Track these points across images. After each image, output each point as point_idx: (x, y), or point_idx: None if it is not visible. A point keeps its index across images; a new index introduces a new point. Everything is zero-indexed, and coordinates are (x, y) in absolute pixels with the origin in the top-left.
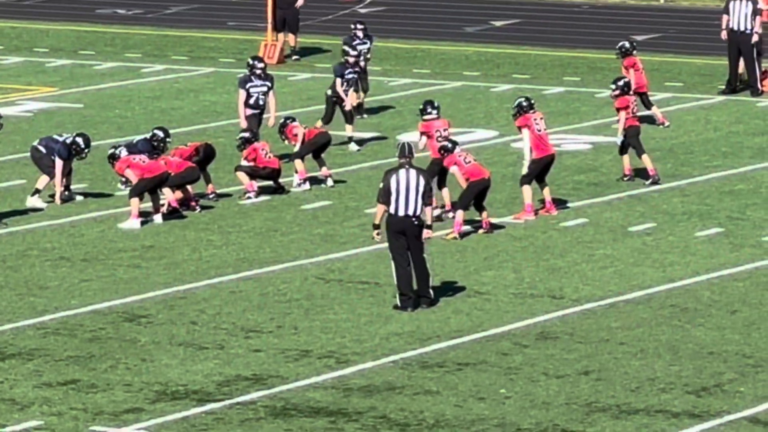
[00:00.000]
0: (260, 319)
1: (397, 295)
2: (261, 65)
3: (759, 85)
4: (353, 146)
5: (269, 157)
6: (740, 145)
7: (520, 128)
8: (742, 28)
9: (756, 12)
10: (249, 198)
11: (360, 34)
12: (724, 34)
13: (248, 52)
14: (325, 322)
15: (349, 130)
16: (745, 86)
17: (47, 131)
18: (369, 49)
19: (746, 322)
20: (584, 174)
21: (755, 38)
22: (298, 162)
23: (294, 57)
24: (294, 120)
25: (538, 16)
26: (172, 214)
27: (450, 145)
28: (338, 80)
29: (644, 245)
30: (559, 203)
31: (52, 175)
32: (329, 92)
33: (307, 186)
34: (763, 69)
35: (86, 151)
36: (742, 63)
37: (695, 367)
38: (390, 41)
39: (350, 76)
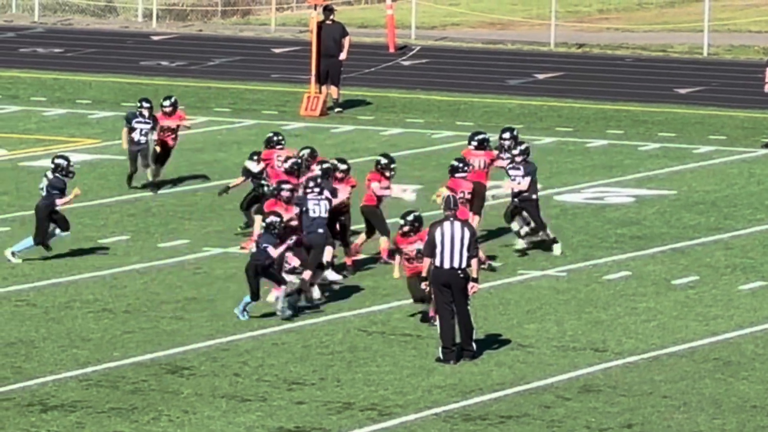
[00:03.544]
0: (303, 371)
1: (440, 348)
2: (147, 105)
3: None
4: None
5: None
6: None
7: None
8: None
9: None
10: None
11: (145, 113)
12: (767, 88)
13: (291, 105)
14: (368, 375)
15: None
16: None
17: (90, 183)
18: (149, 132)
19: None
20: (627, 227)
21: None
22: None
23: (337, 109)
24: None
25: (581, 68)
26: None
27: (460, 165)
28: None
29: (687, 298)
30: (597, 256)
31: None
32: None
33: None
34: None
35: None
36: None
37: (739, 420)
38: (433, 94)
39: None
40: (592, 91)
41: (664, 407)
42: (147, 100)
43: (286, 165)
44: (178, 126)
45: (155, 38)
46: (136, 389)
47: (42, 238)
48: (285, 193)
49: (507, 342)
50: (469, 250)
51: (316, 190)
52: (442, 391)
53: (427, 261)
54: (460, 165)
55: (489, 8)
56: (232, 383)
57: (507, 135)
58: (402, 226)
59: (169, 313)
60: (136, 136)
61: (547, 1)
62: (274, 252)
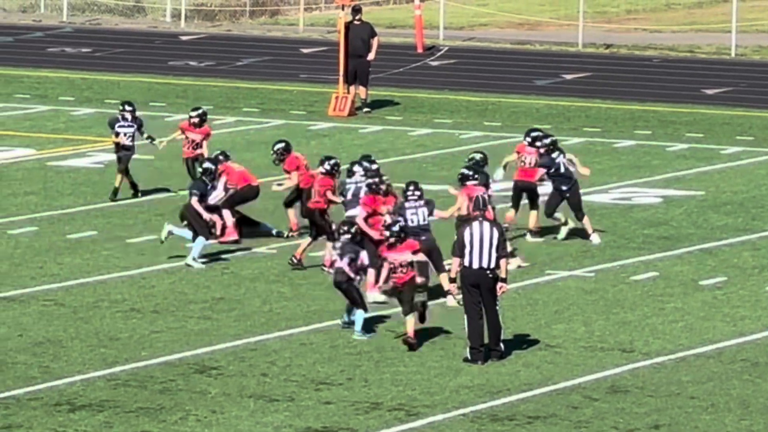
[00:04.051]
0: (330, 371)
1: (468, 348)
2: (130, 108)
3: None
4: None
5: None
6: None
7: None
8: None
9: None
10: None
11: (128, 116)
12: None
13: (319, 105)
14: (396, 375)
15: None
16: None
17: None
18: (134, 135)
19: None
20: (654, 227)
21: None
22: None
23: (365, 110)
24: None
25: (609, 69)
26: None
27: (469, 174)
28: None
29: (715, 299)
30: (625, 257)
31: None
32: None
33: None
34: None
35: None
36: None
37: (766, 421)
38: (461, 94)
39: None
40: (620, 92)
41: (692, 408)
42: (129, 103)
43: (326, 166)
44: (202, 140)
45: (184, 38)
46: (164, 389)
47: (205, 233)
48: (383, 186)
49: (535, 342)
50: (497, 250)
51: (417, 194)
52: (469, 392)
53: (456, 261)
54: (470, 173)
55: (517, 9)
56: (259, 383)
57: (540, 144)
58: (387, 238)
59: (197, 313)
60: (122, 140)
61: (575, 1)
62: (349, 271)
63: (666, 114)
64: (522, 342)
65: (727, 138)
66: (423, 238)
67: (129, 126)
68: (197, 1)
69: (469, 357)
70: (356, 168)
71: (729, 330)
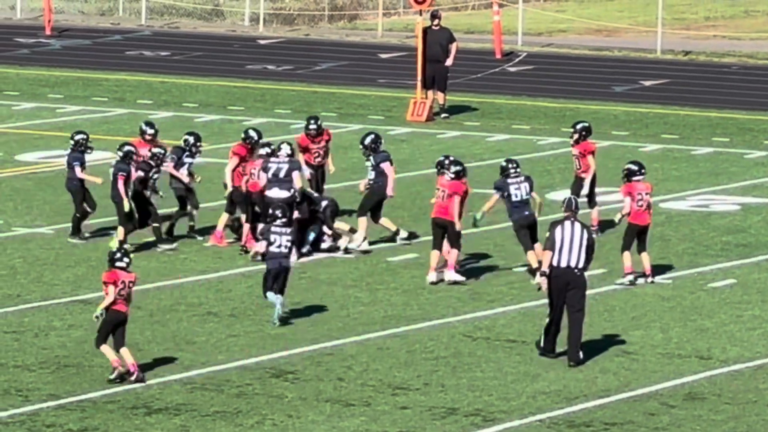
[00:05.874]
0: (407, 377)
1: (542, 336)
2: (199, 144)
3: None
4: None
5: None
6: None
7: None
8: None
9: None
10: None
11: (193, 149)
12: None
13: (397, 110)
14: (472, 380)
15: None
16: None
17: (197, 186)
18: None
19: None
20: (733, 235)
21: None
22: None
23: (443, 115)
24: None
25: (687, 76)
26: None
27: (636, 168)
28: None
29: None
30: (702, 264)
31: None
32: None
33: None
34: None
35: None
36: None
37: None
38: (539, 100)
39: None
40: (698, 99)
41: None
42: (196, 135)
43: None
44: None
45: (262, 42)
46: (240, 393)
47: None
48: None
49: (612, 349)
50: (587, 251)
51: (518, 170)
52: (546, 398)
53: (548, 254)
54: (637, 168)
55: (595, 15)
56: (336, 387)
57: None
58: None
59: (274, 317)
60: (184, 171)
61: (653, 8)
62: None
63: (744, 121)
64: (599, 348)
65: None
66: (526, 213)
67: (192, 158)
68: (276, 5)
69: (542, 344)
70: (283, 146)
71: None
